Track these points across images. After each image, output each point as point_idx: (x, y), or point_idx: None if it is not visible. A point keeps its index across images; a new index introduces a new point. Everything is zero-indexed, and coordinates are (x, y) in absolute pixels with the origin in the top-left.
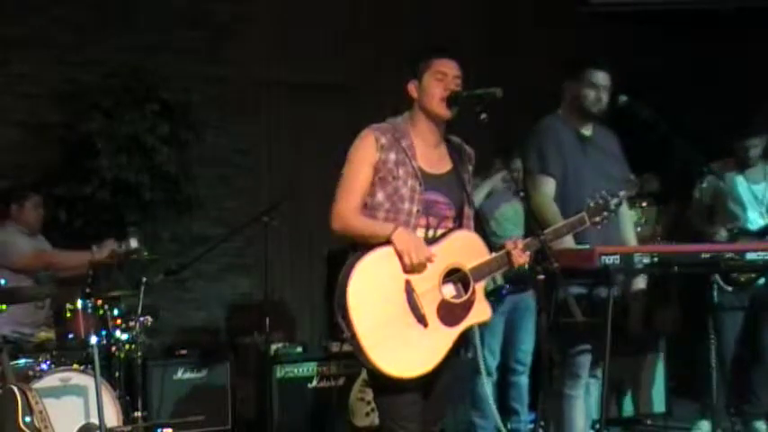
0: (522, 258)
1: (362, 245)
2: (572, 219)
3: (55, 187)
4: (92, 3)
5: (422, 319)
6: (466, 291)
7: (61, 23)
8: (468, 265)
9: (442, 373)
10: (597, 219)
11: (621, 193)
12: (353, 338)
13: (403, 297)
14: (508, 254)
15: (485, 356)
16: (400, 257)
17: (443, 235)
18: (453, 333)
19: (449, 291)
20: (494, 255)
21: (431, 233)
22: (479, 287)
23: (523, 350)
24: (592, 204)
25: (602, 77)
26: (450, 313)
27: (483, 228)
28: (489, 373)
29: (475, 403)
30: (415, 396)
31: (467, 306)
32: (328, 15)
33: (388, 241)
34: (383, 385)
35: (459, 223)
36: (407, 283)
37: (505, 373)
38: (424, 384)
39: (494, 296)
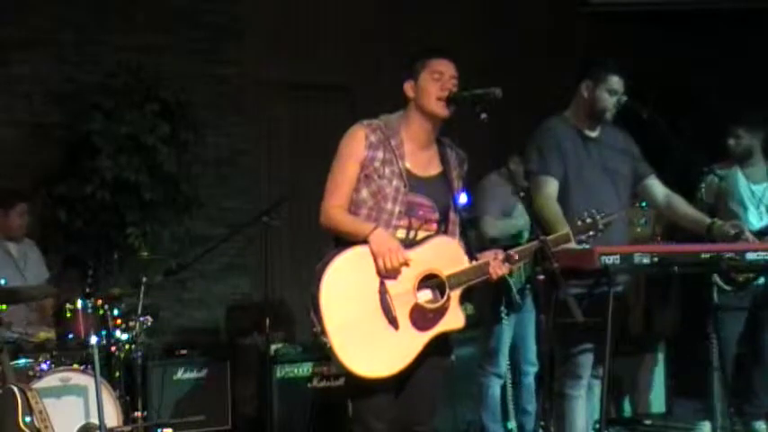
0: (500, 270)
1: (346, 240)
2: (557, 235)
3: (55, 187)
4: (92, 3)
5: (393, 322)
6: (441, 297)
7: (61, 23)
8: (445, 271)
9: (420, 374)
10: (582, 237)
11: (613, 215)
12: (323, 335)
13: (376, 298)
14: (487, 264)
15: (499, 360)
16: (375, 259)
17: (424, 239)
18: (424, 337)
19: (424, 296)
20: (473, 264)
21: (411, 234)
22: (455, 295)
23: (532, 351)
24: (579, 223)
25: (618, 83)
26: (422, 318)
27: (467, 233)
28: (500, 376)
29: (485, 404)
30: (386, 396)
31: (440, 312)
32: (328, 15)
33: (366, 240)
34: (356, 382)
35: (444, 228)
36: (382, 284)
37: (516, 375)
38: (401, 384)
39: (520, 296)
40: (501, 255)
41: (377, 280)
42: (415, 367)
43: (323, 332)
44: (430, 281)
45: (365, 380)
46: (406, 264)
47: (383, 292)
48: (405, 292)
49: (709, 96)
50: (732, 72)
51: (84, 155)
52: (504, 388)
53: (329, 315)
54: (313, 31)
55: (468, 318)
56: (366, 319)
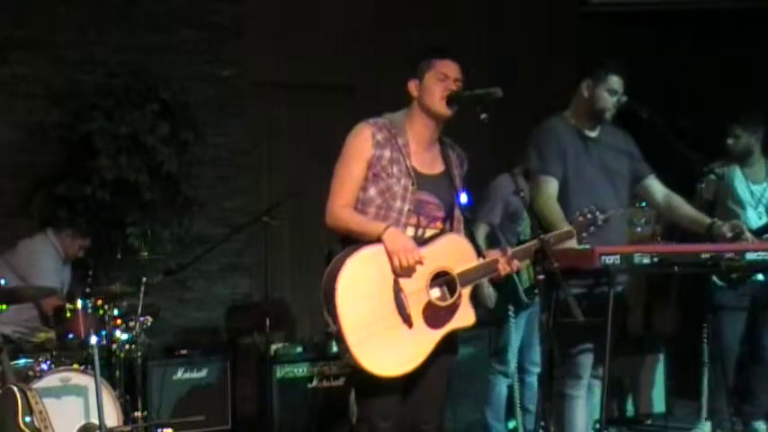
0: (508, 267)
1: (353, 240)
2: (560, 231)
3: (55, 187)
4: (92, 3)
5: (407, 320)
6: (452, 294)
7: (61, 23)
8: (456, 269)
9: (429, 372)
10: (584, 234)
11: (611, 212)
12: (339, 334)
13: (390, 296)
14: (495, 261)
15: (507, 358)
16: (390, 258)
17: (434, 237)
18: (436, 335)
19: (435, 293)
20: (481, 261)
21: (420, 232)
22: (465, 292)
23: (536, 351)
24: (580, 219)
25: (618, 83)
26: (434, 315)
27: (471, 231)
28: (507, 375)
29: (490, 403)
30: (396, 395)
31: (451, 310)
32: (328, 15)
33: (379, 239)
34: (363, 381)
35: (449, 225)
36: (396, 282)
37: (519, 373)
38: (409, 383)
39: (529, 295)
40: (509, 252)
41: (391, 278)
42: (423, 365)
43: (339, 331)
44: (439, 278)
45: (376, 379)
46: (420, 262)
47: (397, 291)
48: (417, 291)
49: (710, 96)
50: (732, 72)
51: (84, 155)
52: (510, 387)
53: (345, 314)
54: (313, 31)
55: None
56: (381, 317)
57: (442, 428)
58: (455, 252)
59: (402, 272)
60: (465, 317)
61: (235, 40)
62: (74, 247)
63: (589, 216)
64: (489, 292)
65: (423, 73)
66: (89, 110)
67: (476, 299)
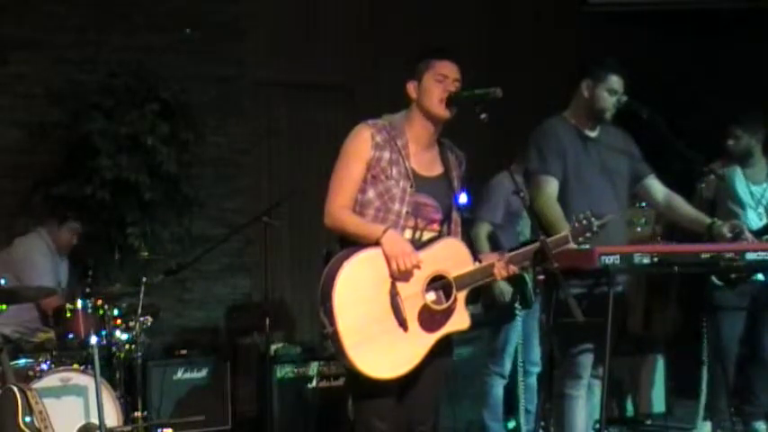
0: (504, 272)
1: (352, 241)
2: (556, 237)
3: (55, 187)
4: (92, 3)
5: (403, 323)
6: (447, 298)
7: (61, 23)
8: (452, 273)
9: (424, 374)
10: (581, 239)
11: (608, 216)
12: (335, 335)
13: (387, 299)
14: (492, 266)
15: (504, 360)
16: (388, 261)
17: (432, 241)
18: (431, 339)
19: (431, 297)
20: (478, 266)
21: (417, 235)
22: (461, 296)
23: (536, 351)
24: (576, 225)
25: (618, 82)
26: (429, 319)
27: (469, 234)
28: (504, 376)
29: (486, 403)
30: (389, 397)
31: (447, 314)
32: (328, 15)
33: (377, 242)
34: (359, 383)
35: (447, 228)
36: (393, 285)
37: (517, 375)
38: (404, 386)
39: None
40: (506, 256)
41: (388, 281)
42: (418, 367)
43: (335, 333)
44: (436, 282)
45: (372, 381)
46: (417, 266)
47: (394, 294)
48: (414, 294)
49: (710, 96)
50: (732, 72)
51: (84, 155)
52: (512, 387)
53: (341, 316)
54: (313, 32)
55: (472, 317)
56: (377, 320)
57: (437, 429)
58: (452, 256)
59: (399, 275)
60: (460, 321)
61: (235, 40)
62: (66, 236)
63: (584, 222)
64: (504, 288)
65: (421, 74)
66: (89, 110)
67: (489, 298)
